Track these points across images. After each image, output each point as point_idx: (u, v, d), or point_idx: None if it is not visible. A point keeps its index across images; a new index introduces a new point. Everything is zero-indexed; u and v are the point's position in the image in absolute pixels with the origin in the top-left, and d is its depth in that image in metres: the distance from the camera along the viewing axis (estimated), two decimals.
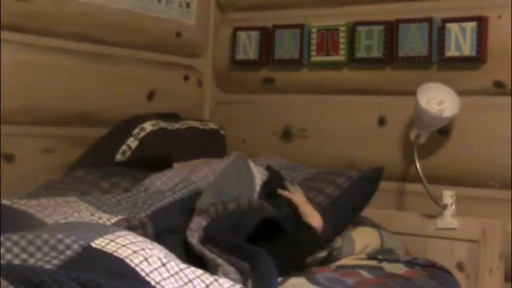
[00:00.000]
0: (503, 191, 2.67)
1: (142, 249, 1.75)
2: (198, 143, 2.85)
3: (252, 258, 1.95)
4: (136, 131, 2.70)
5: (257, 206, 2.27)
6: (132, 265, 1.70)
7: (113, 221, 2.10)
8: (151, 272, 1.69)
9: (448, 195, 2.67)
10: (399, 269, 2.43)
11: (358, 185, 2.58)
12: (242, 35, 3.21)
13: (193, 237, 2.06)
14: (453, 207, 2.67)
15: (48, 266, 1.71)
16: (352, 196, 2.56)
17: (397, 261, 2.51)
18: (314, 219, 2.37)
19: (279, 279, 2.11)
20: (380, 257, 2.51)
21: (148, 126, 2.72)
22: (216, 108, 3.33)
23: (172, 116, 2.90)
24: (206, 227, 2.10)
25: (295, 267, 2.23)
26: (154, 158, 2.60)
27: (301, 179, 2.68)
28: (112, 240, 1.78)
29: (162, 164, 2.55)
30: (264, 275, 1.90)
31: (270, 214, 2.23)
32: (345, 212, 2.55)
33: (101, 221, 2.10)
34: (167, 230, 2.11)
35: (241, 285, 1.80)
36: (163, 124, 2.78)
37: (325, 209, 2.51)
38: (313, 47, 3.04)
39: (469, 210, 2.68)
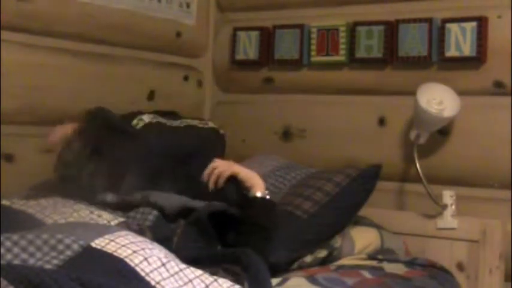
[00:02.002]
0: (503, 191, 2.67)
1: (142, 249, 1.75)
2: (197, 141, 2.85)
3: (240, 260, 1.95)
4: (134, 121, 2.70)
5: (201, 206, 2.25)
6: (132, 265, 1.70)
7: (113, 223, 2.10)
8: (151, 271, 1.69)
9: (448, 195, 2.67)
10: (399, 269, 2.43)
11: (357, 183, 2.58)
12: (242, 35, 3.21)
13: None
14: (453, 207, 2.67)
15: (48, 266, 1.71)
16: (351, 194, 2.57)
17: (397, 261, 2.51)
18: (257, 184, 2.32)
19: (279, 279, 2.11)
20: (380, 257, 2.51)
21: (146, 117, 2.72)
22: (216, 108, 3.33)
23: (171, 114, 2.90)
24: (178, 249, 2.08)
25: (271, 244, 2.20)
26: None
27: (301, 178, 2.68)
28: (112, 240, 1.78)
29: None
30: (257, 274, 1.90)
31: (216, 207, 2.19)
32: (345, 209, 2.55)
33: (100, 219, 2.10)
34: (165, 238, 2.10)
35: (240, 286, 1.80)
36: (162, 120, 2.78)
37: (325, 206, 2.51)
38: (313, 47, 3.04)
39: (469, 210, 2.68)
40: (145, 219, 2.19)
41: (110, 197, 2.31)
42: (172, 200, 2.26)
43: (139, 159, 2.39)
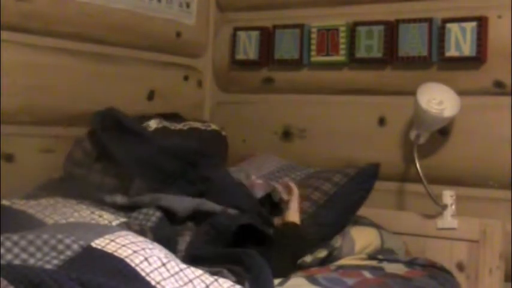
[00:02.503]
0: (502, 191, 2.67)
1: (143, 249, 1.75)
2: (200, 144, 2.84)
3: (243, 260, 1.95)
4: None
5: (230, 215, 2.26)
6: (133, 265, 1.70)
7: (114, 223, 2.10)
8: (152, 271, 1.69)
9: (448, 195, 2.67)
10: (399, 269, 2.43)
11: (355, 182, 2.59)
12: (242, 35, 3.21)
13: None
14: (453, 207, 2.67)
15: (48, 266, 1.71)
16: (349, 193, 2.57)
17: (397, 261, 2.51)
18: (295, 219, 2.40)
19: (279, 280, 2.11)
20: (380, 257, 2.51)
21: (153, 123, 2.73)
22: (216, 108, 3.33)
23: (174, 116, 2.90)
24: (188, 248, 2.09)
25: (289, 268, 2.23)
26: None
27: (300, 179, 2.68)
28: (112, 240, 1.78)
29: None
30: (259, 274, 1.90)
31: (246, 220, 2.20)
32: (343, 209, 2.55)
33: (101, 220, 2.10)
34: (167, 239, 2.10)
35: (241, 286, 1.80)
36: (166, 123, 2.79)
37: (323, 206, 2.51)
38: (313, 47, 3.04)
39: (469, 210, 2.68)
40: (147, 220, 2.19)
41: (119, 199, 2.31)
42: (184, 202, 2.26)
43: (148, 160, 2.39)
